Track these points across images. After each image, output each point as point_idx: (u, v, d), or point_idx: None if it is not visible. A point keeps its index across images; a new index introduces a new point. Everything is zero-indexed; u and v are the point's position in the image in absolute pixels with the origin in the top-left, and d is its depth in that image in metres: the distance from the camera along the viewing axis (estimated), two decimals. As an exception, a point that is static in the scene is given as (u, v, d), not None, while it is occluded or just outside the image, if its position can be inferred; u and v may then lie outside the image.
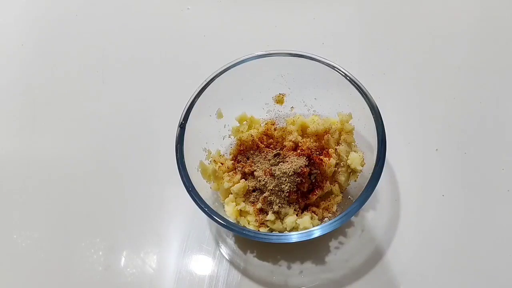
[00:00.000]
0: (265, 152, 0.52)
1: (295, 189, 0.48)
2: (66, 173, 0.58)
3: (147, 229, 0.54)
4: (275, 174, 0.48)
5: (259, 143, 0.53)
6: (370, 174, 0.46)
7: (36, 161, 0.59)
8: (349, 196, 0.52)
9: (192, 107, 0.50)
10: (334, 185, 0.51)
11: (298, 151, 0.51)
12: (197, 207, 0.46)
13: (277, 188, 0.48)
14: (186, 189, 0.47)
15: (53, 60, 0.68)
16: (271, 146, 0.53)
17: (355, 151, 0.51)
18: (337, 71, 0.51)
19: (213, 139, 0.53)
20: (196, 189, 0.47)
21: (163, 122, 0.58)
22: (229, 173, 0.51)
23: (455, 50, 0.64)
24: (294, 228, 0.48)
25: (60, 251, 0.53)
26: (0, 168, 0.59)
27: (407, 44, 0.65)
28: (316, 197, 0.50)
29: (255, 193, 0.50)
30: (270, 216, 0.48)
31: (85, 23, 0.71)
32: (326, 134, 0.52)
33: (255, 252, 0.52)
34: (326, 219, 0.49)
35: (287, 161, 0.49)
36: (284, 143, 0.53)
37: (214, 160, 0.52)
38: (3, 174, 0.59)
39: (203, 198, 0.46)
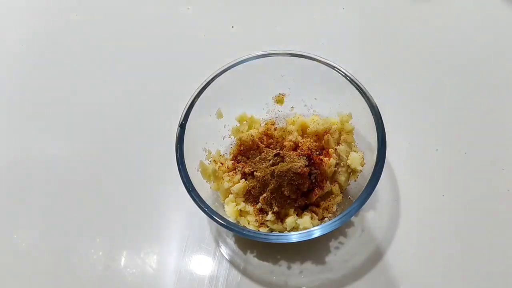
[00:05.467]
0: (265, 152, 0.52)
1: (295, 189, 0.48)
2: (66, 173, 0.58)
3: (147, 229, 0.54)
4: (275, 174, 0.48)
5: (259, 143, 0.53)
6: (370, 174, 0.46)
7: (36, 161, 0.59)
8: (349, 196, 0.52)
9: (192, 107, 0.50)
10: (334, 185, 0.51)
11: (298, 151, 0.51)
12: (197, 207, 0.46)
13: (277, 188, 0.48)
14: (186, 189, 0.47)
15: (53, 60, 0.68)
16: (271, 146, 0.53)
17: (355, 151, 0.51)
18: (337, 71, 0.51)
19: (213, 139, 0.53)
20: (196, 189, 0.47)
21: (163, 122, 0.58)
22: (229, 173, 0.51)
23: (455, 50, 0.64)
24: (294, 228, 0.48)
25: (60, 251, 0.53)
26: (0, 168, 0.59)
27: (407, 44, 0.65)
28: (316, 197, 0.50)
29: (255, 193, 0.50)
30: (270, 216, 0.48)
31: (85, 23, 0.71)
32: (326, 134, 0.52)
33: (255, 252, 0.52)
34: (326, 219, 0.49)
35: (287, 161, 0.49)
36: (284, 143, 0.53)
37: (214, 160, 0.52)
38: (3, 174, 0.59)
39: (203, 198, 0.46)
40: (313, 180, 0.49)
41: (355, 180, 0.51)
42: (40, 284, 0.52)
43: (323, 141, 0.52)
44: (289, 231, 0.48)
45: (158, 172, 0.57)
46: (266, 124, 0.54)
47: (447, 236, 0.52)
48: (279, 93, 0.55)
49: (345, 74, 0.50)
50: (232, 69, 0.51)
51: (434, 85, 0.61)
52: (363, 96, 0.49)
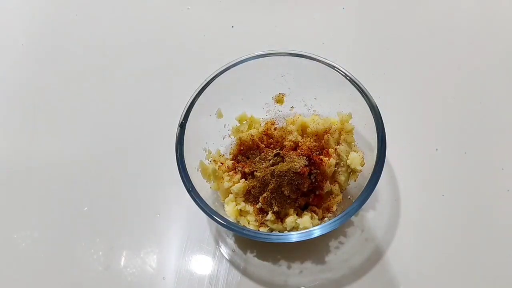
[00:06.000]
0: (265, 152, 0.52)
1: (295, 189, 0.48)
2: (66, 173, 0.58)
3: (147, 229, 0.54)
4: (275, 174, 0.48)
5: (259, 143, 0.53)
6: (370, 174, 0.46)
7: (36, 161, 0.59)
8: (349, 196, 0.52)
9: (192, 107, 0.50)
10: (334, 185, 0.51)
11: (298, 151, 0.51)
12: (197, 207, 0.46)
13: (277, 188, 0.48)
14: (186, 189, 0.47)
15: (53, 60, 0.68)
16: (271, 146, 0.53)
17: (355, 151, 0.51)
18: (337, 71, 0.51)
19: (213, 139, 0.53)
20: (196, 189, 0.47)
21: (163, 122, 0.58)
22: (229, 173, 0.51)
23: (455, 50, 0.64)
24: (294, 228, 0.48)
25: (60, 251, 0.53)
26: (0, 168, 0.59)
27: (407, 44, 0.65)
28: (316, 197, 0.50)
29: (255, 193, 0.50)
30: (270, 216, 0.48)
31: (85, 23, 0.71)
32: (326, 134, 0.52)
33: (255, 252, 0.52)
34: (326, 219, 0.49)
35: (287, 161, 0.49)
36: (284, 143, 0.53)
37: (214, 160, 0.52)
38: (3, 174, 0.59)
39: (203, 198, 0.46)
40: (313, 180, 0.49)
41: (355, 180, 0.51)
42: (40, 284, 0.52)
43: (323, 141, 0.52)
44: (289, 231, 0.48)
45: (158, 172, 0.57)
46: (266, 124, 0.54)
47: (447, 236, 0.52)
48: (279, 93, 0.55)
49: (345, 74, 0.50)
50: (232, 69, 0.51)
51: (434, 85, 0.61)
52: (363, 96, 0.49)
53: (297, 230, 0.47)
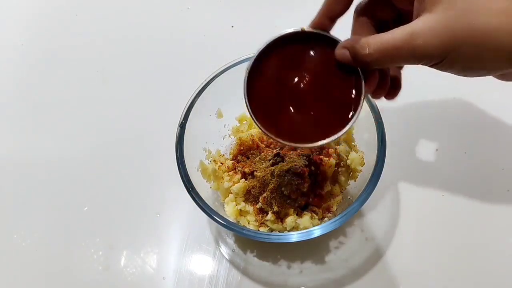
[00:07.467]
0: (265, 152, 0.52)
1: (295, 189, 0.48)
2: (66, 173, 0.58)
3: (147, 229, 0.54)
4: (275, 174, 0.48)
5: (259, 143, 0.53)
6: (370, 174, 0.46)
7: (36, 161, 0.59)
8: (349, 196, 0.52)
9: (192, 107, 0.50)
10: (334, 185, 0.51)
11: (298, 151, 0.51)
12: (197, 207, 0.46)
13: (277, 188, 0.48)
14: (186, 189, 0.47)
15: (52, 60, 0.68)
16: (271, 146, 0.53)
17: (355, 151, 0.51)
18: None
19: (213, 139, 0.53)
20: (196, 189, 0.47)
21: (163, 122, 0.58)
22: (229, 172, 0.51)
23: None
24: (294, 228, 0.48)
25: (60, 251, 0.54)
26: (0, 168, 0.59)
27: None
28: (316, 197, 0.50)
29: (255, 193, 0.50)
30: (270, 216, 0.48)
31: (85, 22, 0.71)
32: (326, 134, 0.52)
33: (255, 252, 0.52)
34: (326, 219, 0.49)
35: (287, 161, 0.49)
36: (284, 143, 0.52)
37: (214, 160, 0.52)
38: (3, 174, 0.59)
39: (203, 198, 0.46)
40: (313, 180, 0.49)
41: (355, 180, 0.51)
42: (40, 284, 0.52)
43: (323, 141, 0.52)
44: (289, 230, 0.48)
45: (158, 172, 0.57)
46: (266, 124, 0.54)
47: (447, 236, 0.52)
48: (279, 93, 0.55)
49: (345, 74, 0.50)
50: (232, 69, 0.51)
51: (433, 85, 0.61)
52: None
53: (297, 230, 0.47)
